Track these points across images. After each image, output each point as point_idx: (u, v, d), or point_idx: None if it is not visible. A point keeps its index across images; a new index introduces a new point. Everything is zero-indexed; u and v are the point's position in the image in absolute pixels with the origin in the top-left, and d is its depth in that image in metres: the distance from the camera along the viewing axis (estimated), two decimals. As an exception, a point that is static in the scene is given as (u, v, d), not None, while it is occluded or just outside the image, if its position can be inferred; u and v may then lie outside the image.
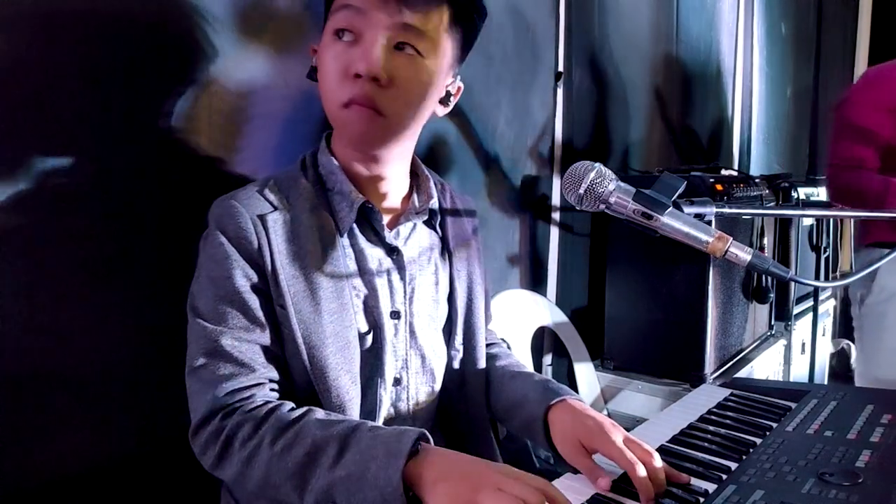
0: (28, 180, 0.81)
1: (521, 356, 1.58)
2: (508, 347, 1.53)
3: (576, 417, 0.79)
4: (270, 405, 0.72)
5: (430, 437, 0.67)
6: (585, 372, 1.77)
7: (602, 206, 0.74)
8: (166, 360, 0.78)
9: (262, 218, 0.77)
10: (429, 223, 0.90)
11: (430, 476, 0.62)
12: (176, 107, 0.95)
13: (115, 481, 0.91)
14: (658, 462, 0.71)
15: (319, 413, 0.72)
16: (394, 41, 0.74)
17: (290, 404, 0.74)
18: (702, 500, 0.67)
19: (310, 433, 0.68)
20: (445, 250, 0.92)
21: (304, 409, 0.72)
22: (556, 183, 1.78)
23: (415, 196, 0.89)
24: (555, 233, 1.80)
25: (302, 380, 0.77)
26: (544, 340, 1.79)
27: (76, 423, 0.87)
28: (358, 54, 0.73)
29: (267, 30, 1.04)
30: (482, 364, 0.94)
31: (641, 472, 0.68)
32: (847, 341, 3.18)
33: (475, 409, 0.93)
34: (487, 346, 0.99)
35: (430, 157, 1.39)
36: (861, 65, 4.04)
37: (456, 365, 0.92)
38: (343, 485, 0.63)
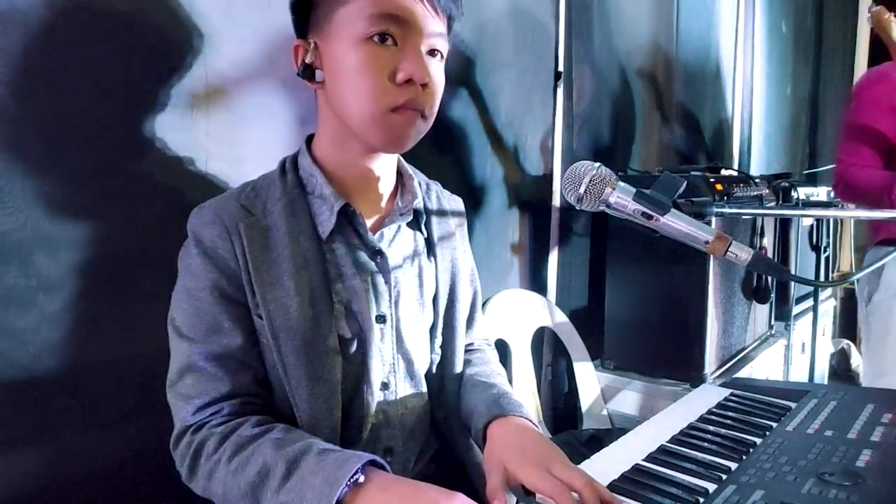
0: (27, 182, 0.81)
1: (521, 356, 1.58)
2: (506, 350, 1.54)
3: (510, 437, 0.75)
4: (236, 421, 0.72)
5: (381, 461, 0.65)
6: (585, 372, 1.77)
7: (602, 206, 0.73)
8: (166, 363, 0.78)
9: (237, 225, 0.76)
10: (414, 224, 0.89)
11: None
12: (175, 108, 0.95)
13: (114, 482, 0.91)
14: (590, 494, 0.66)
15: (279, 431, 0.71)
16: (428, 48, 0.77)
17: (256, 419, 0.73)
18: (702, 500, 0.67)
19: (262, 453, 0.67)
20: (431, 252, 0.90)
21: (266, 426, 0.72)
22: (556, 182, 1.78)
23: (399, 197, 0.87)
24: (555, 233, 1.80)
25: (279, 390, 0.77)
26: (544, 340, 1.79)
27: (76, 424, 0.87)
28: (405, 61, 0.74)
29: (263, 30, 1.04)
30: (459, 369, 0.92)
31: (567, 500, 0.64)
32: (847, 341, 3.18)
33: (452, 416, 0.90)
34: (469, 351, 0.97)
35: (430, 157, 1.39)
36: (861, 64, 4.04)
37: (434, 369, 0.90)
38: None
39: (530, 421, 0.80)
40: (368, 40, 0.74)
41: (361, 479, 0.62)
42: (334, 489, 0.60)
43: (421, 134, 0.80)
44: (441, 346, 0.91)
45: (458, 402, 0.91)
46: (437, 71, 0.78)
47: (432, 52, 0.77)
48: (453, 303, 0.91)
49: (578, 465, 0.73)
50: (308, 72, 0.79)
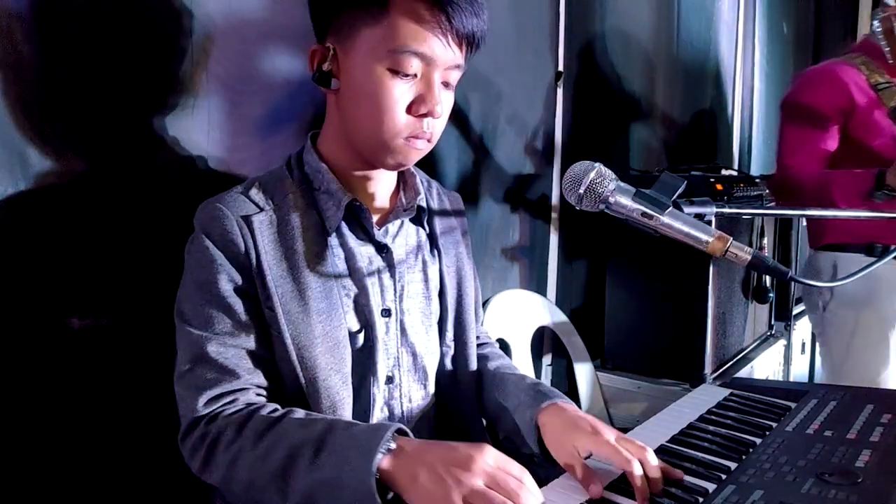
0: (27, 180, 0.81)
1: (521, 356, 1.58)
2: (506, 350, 1.54)
3: (567, 420, 0.78)
4: (252, 407, 0.73)
5: (407, 430, 0.67)
6: (585, 372, 1.77)
7: (602, 206, 0.74)
8: (166, 360, 0.78)
9: (247, 219, 0.77)
10: (416, 220, 0.91)
11: (406, 473, 0.62)
12: (176, 106, 0.95)
13: (112, 482, 0.91)
14: (654, 460, 0.71)
15: (299, 413, 0.72)
16: (443, 79, 0.78)
17: (272, 406, 0.74)
18: (701, 499, 0.67)
19: (288, 434, 0.68)
20: (434, 247, 0.92)
21: (285, 409, 0.73)
22: (556, 182, 1.78)
23: (402, 193, 0.89)
24: (555, 233, 1.80)
25: (292, 382, 0.77)
26: (544, 340, 1.79)
27: (74, 423, 0.87)
28: (425, 95, 0.76)
29: (264, 30, 1.04)
30: (473, 362, 0.94)
31: (638, 470, 0.68)
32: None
33: (468, 408, 0.92)
34: (479, 345, 0.99)
35: (430, 156, 1.39)
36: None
37: (447, 362, 0.92)
38: (322, 488, 0.64)
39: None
40: (389, 71, 0.75)
41: (393, 445, 0.64)
42: (371, 456, 0.62)
43: (422, 155, 0.82)
44: (453, 340, 0.92)
45: (477, 394, 0.93)
46: (448, 101, 0.80)
47: (446, 84, 0.79)
48: (462, 296, 0.93)
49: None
50: (323, 78, 0.79)
